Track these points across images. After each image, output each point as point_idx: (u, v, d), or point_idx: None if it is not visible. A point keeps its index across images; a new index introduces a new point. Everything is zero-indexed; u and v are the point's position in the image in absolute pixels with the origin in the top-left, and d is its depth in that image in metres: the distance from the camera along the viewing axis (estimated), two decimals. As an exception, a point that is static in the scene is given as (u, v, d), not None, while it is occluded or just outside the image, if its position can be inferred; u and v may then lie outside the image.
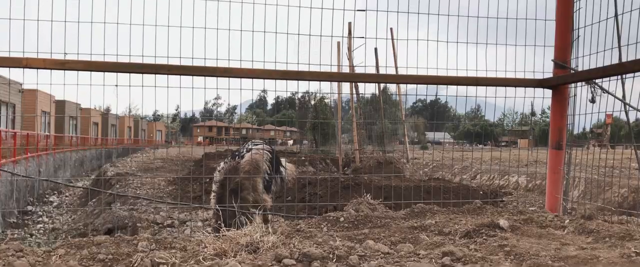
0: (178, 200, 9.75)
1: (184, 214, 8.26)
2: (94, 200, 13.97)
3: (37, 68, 3.14)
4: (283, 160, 4.83)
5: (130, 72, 3.26)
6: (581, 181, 12.38)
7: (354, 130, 16.59)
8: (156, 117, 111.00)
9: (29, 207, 17.20)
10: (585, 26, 3.50)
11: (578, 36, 3.56)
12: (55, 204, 18.71)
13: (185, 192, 10.97)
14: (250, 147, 4.42)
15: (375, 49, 15.13)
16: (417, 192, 8.70)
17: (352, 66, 13.43)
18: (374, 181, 9.60)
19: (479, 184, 20.34)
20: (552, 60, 3.90)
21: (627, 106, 3.21)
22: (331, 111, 26.20)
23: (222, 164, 4.30)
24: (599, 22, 3.25)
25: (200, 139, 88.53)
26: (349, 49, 13.68)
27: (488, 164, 22.60)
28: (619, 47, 3.47)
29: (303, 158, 17.68)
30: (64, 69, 3.17)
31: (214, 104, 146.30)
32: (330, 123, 23.38)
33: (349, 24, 14.11)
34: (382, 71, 16.75)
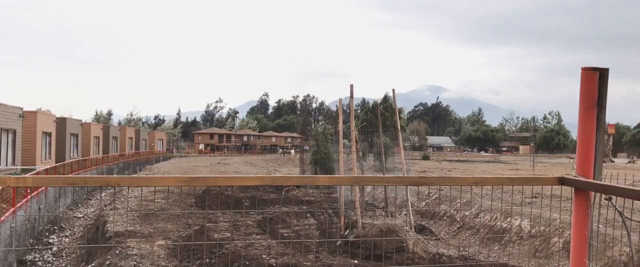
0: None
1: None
2: (92, 265, 13.81)
3: None
4: None
5: None
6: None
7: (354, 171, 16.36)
8: (158, 122, 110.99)
9: (28, 257, 17.04)
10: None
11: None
12: (54, 248, 18.54)
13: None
14: None
15: (377, 104, 15.00)
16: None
17: (354, 127, 13.44)
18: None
19: (482, 223, 20.24)
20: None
21: None
22: (330, 140, 25.92)
23: None
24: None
25: (201, 147, 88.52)
26: (351, 109, 13.74)
27: (490, 199, 22.50)
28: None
29: (305, 208, 17.50)
30: None
31: (215, 107, 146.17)
32: (332, 158, 23.19)
33: (351, 86, 14.00)
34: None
